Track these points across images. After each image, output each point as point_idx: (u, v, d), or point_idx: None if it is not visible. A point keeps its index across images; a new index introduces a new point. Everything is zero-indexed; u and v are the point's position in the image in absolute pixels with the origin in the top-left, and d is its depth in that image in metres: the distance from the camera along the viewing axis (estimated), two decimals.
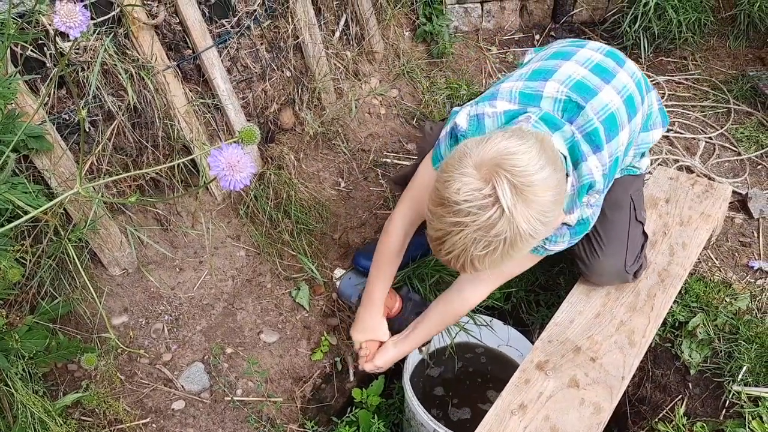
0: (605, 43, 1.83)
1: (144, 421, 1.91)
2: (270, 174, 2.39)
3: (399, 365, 2.27)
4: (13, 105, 1.68)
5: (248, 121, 2.37)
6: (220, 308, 2.21)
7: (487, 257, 1.26)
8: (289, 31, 2.42)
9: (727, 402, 1.89)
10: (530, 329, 2.36)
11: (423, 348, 2.08)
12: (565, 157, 1.47)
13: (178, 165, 2.14)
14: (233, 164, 0.97)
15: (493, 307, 2.33)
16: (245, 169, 0.98)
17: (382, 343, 1.98)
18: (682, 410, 1.91)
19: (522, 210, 1.22)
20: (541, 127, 1.48)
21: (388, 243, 1.88)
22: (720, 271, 2.19)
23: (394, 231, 1.87)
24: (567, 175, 1.46)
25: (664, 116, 1.86)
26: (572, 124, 1.54)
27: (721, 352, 1.96)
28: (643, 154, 1.90)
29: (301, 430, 2.03)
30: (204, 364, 2.06)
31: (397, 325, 2.07)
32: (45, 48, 1.78)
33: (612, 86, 1.61)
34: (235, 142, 1.00)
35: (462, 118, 1.59)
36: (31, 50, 1.75)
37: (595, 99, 1.57)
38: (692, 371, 1.98)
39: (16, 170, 1.78)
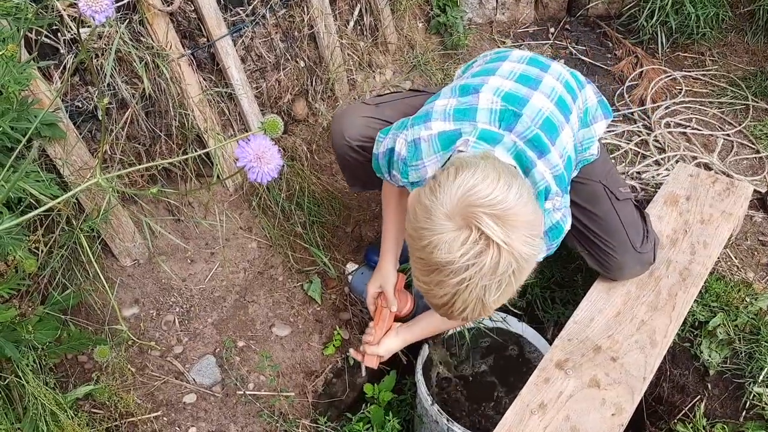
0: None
1: (155, 414, 1.89)
2: (283, 165, 2.35)
3: (411, 360, 2.24)
4: (27, 92, 1.64)
5: (261, 111, 2.34)
6: (232, 301, 2.18)
7: (501, 297, 1.21)
8: (305, 20, 2.38)
9: (748, 403, 1.86)
10: (545, 326, 2.34)
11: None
12: (514, 167, 1.43)
13: (192, 157, 2.11)
14: (261, 155, 0.94)
15: (508, 303, 2.30)
16: (273, 160, 0.95)
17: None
18: (701, 411, 1.88)
19: (515, 236, 1.16)
20: (481, 146, 1.45)
21: (384, 197, 1.91)
22: (740, 270, 2.16)
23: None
24: None
25: (605, 108, 1.81)
26: (511, 132, 1.51)
27: (741, 352, 1.93)
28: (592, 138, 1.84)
29: (314, 425, 2.00)
30: (215, 357, 2.03)
31: None
32: (59, 34, 1.75)
33: (541, 92, 1.59)
34: (253, 134, 0.97)
35: (401, 144, 1.57)
36: (46, 35, 1.72)
37: (528, 107, 1.54)
38: (711, 372, 1.95)
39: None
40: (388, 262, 1.95)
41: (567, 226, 1.56)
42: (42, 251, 1.73)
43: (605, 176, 1.87)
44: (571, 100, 1.67)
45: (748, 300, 2.01)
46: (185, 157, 1.96)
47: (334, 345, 2.19)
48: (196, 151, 2.10)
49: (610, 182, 1.87)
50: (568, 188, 1.59)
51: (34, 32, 1.70)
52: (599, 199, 1.86)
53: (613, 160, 2.58)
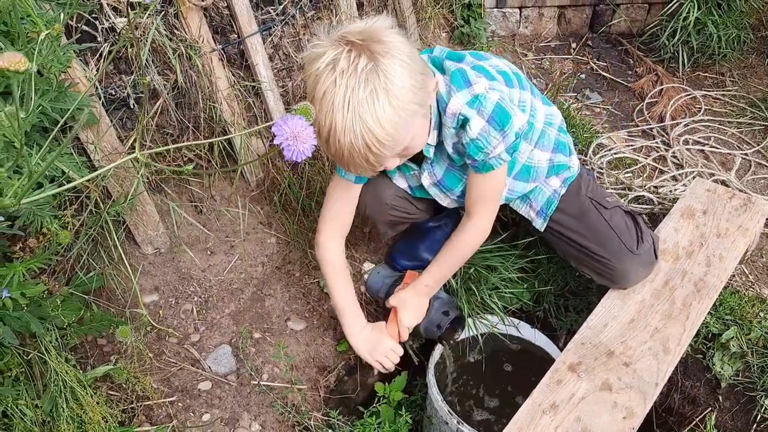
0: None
1: (170, 399, 1.91)
2: (305, 163, 2.39)
3: (423, 361, 2.26)
4: (65, 75, 1.69)
5: (286, 109, 2.38)
6: (249, 293, 2.21)
7: (378, 101, 1.32)
8: (333, 22, 2.43)
9: (759, 417, 1.86)
10: (558, 334, 2.35)
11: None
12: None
13: (218, 149, 2.16)
14: (297, 135, 0.97)
15: (522, 310, 2.32)
16: (308, 140, 0.98)
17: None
18: (712, 422, 1.88)
19: (373, 36, 1.34)
20: None
21: (329, 265, 1.96)
22: (754, 286, 2.16)
23: (326, 253, 1.95)
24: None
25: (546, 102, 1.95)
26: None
27: (754, 366, 1.93)
28: (566, 149, 1.95)
29: (326, 419, 2.02)
30: (231, 347, 2.06)
31: (423, 325, 2.05)
32: (98, 22, 1.80)
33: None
34: (290, 115, 1.00)
35: None
36: (88, 20, 1.77)
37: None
38: (723, 384, 1.96)
39: (61, 141, 1.80)
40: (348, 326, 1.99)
41: (517, 117, 1.60)
42: (72, 229, 1.77)
43: (589, 189, 1.97)
44: (505, 66, 1.79)
45: (762, 315, 2.02)
46: (213, 140, 2.00)
47: (347, 342, 2.21)
48: (222, 144, 2.15)
49: (595, 194, 1.96)
50: (496, 76, 1.66)
51: (74, 19, 1.75)
52: (588, 213, 1.93)
53: (629, 174, 2.61)
